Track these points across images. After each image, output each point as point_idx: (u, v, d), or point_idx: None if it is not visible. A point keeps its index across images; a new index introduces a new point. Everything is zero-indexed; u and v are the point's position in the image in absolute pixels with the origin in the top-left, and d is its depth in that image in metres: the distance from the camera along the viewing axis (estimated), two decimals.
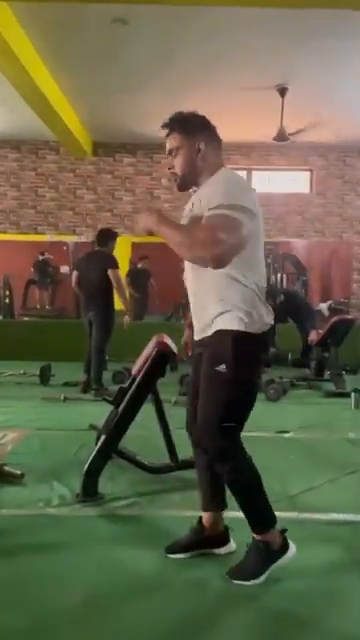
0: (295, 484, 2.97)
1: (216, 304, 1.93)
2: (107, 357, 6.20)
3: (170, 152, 2.03)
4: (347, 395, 5.32)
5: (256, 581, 1.97)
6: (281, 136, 6.59)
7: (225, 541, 2.17)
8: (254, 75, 5.96)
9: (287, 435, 4.09)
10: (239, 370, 1.89)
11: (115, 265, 5.28)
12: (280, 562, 2.00)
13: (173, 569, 2.08)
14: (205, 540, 2.17)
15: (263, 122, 6.94)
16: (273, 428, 4.19)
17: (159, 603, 1.87)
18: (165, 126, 2.05)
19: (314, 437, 4.10)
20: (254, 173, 8.92)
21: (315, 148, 8.49)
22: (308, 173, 8.88)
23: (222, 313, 1.92)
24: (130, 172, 8.87)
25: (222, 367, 1.89)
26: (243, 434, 2.01)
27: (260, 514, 2.02)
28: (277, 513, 2.56)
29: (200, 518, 2.19)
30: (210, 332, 1.96)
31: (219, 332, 1.92)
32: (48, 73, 6.05)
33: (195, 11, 4.57)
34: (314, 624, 1.79)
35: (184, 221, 2.02)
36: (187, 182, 2.04)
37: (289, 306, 6.77)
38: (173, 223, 1.88)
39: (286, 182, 8.90)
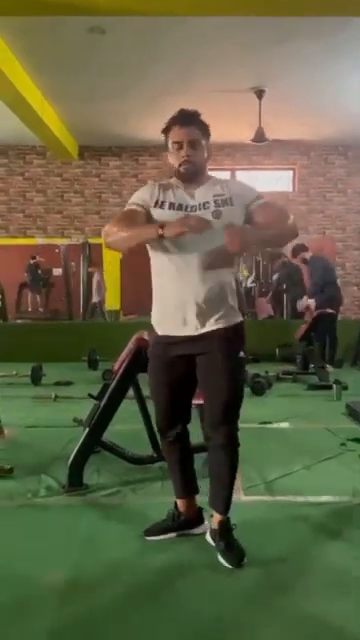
0: (273, 470, 3.11)
1: (229, 300, 2.09)
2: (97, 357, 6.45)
3: (190, 143, 2.07)
4: (330, 387, 5.48)
5: (245, 560, 2.10)
6: (259, 137, 6.73)
7: (200, 521, 2.31)
8: (230, 78, 6.11)
9: (269, 426, 4.24)
10: (243, 355, 2.12)
11: None
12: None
13: (151, 550, 2.22)
14: (181, 523, 2.30)
15: (244, 123, 7.08)
16: (257, 419, 4.34)
17: (138, 581, 2.01)
18: (191, 118, 2.09)
19: (295, 427, 4.25)
20: (238, 173, 9.05)
21: (297, 147, 8.64)
22: (291, 172, 9.02)
23: (232, 307, 2.10)
24: (116, 175, 8.99)
25: (241, 353, 2.10)
26: None
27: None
28: (253, 497, 2.73)
29: (175, 503, 2.33)
30: (222, 325, 2.06)
31: (236, 324, 2.10)
32: (30, 80, 6.17)
33: (171, 19, 4.70)
34: (286, 588, 1.94)
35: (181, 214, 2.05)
36: (197, 174, 2.11)
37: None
38: (257, 231, 2.04)
39: (270, 181, 9.04)
